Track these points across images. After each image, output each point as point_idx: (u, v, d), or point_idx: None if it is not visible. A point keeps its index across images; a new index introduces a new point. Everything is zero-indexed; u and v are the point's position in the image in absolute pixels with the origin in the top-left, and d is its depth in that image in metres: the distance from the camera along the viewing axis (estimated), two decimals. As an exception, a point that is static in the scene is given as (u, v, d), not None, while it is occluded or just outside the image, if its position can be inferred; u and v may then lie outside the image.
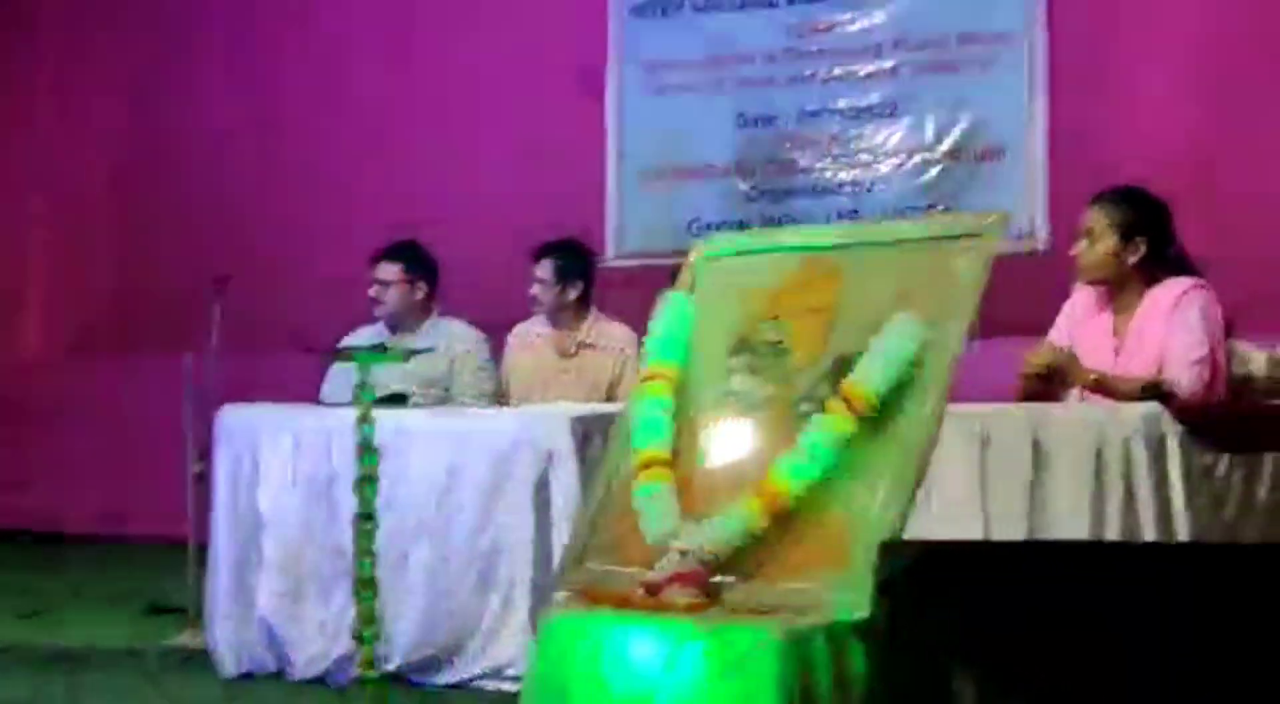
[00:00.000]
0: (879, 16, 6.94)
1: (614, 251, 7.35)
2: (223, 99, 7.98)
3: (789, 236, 3.03)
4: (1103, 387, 3.85)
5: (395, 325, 5.49)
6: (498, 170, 7.36)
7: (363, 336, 5.49)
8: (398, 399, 4.84)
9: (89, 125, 8.15)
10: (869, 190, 6.96)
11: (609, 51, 7.40)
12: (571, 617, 2.62)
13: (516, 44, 7.45)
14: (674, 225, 7.23)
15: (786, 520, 2.59)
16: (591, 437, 4.50)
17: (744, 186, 7.22)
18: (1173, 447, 3.19)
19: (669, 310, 2.95)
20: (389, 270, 5.45)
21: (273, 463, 4.62)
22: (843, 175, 7.04)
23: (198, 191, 7.87)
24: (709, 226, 7.20)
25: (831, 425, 2.59)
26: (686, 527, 2.68)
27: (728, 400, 2.81)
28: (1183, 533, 3.23)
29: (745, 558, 2.62)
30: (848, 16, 7.03)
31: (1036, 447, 3.31)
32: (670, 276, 3.10)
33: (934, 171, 6.82)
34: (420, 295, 5.49)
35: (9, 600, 6.06)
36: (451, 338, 5.49)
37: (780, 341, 2.79)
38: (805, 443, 2.60)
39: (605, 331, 5.62)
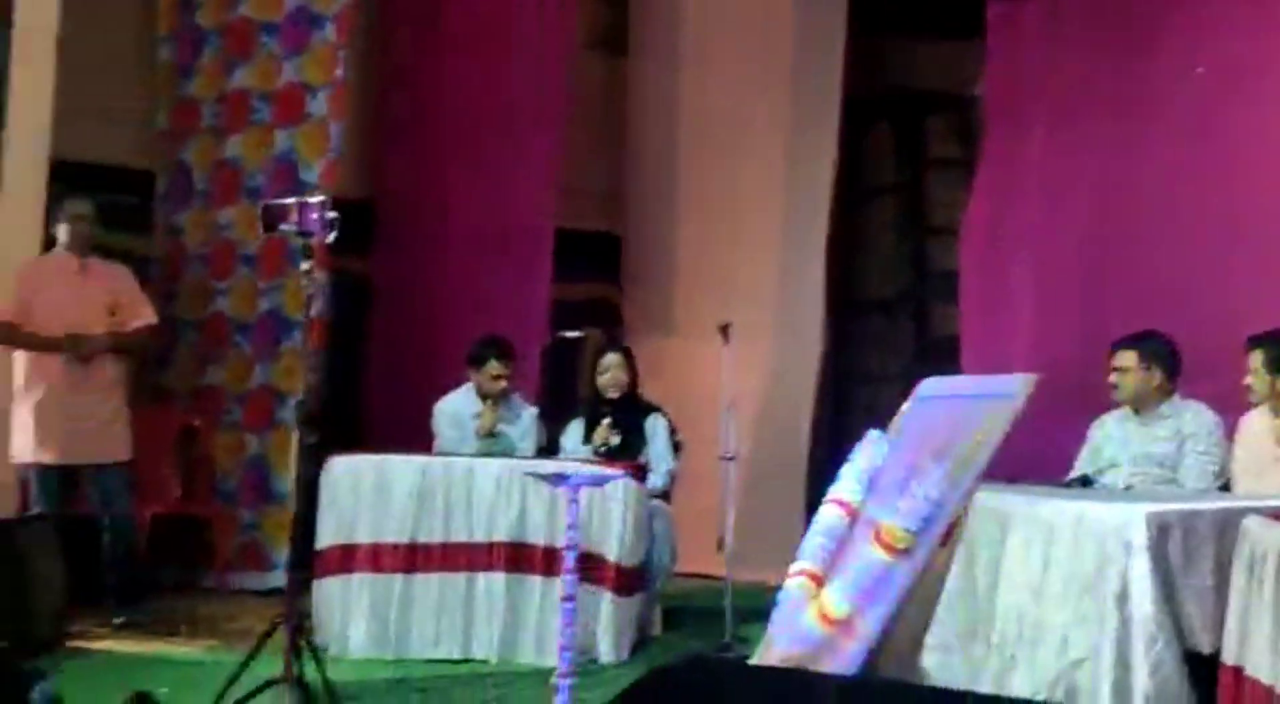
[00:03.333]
0: None
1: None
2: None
3: (963, 385, 3.37)
4: None
5: (1137, 408, 5.88)
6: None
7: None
8: None
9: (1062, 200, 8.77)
10: None
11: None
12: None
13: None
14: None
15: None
16: (1170, 531, 4.71)
17: None
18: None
19: (866, 446, 3.46)
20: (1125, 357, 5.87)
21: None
22: None
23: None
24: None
25: (868, 555, 3.06)
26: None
27: (870, 526, 3.31)
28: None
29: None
30: None
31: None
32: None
33: None
34: (1156, 381, 5.82)
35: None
36: (1185, 419, 5.76)
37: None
38: (848, 570, 3.09)
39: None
